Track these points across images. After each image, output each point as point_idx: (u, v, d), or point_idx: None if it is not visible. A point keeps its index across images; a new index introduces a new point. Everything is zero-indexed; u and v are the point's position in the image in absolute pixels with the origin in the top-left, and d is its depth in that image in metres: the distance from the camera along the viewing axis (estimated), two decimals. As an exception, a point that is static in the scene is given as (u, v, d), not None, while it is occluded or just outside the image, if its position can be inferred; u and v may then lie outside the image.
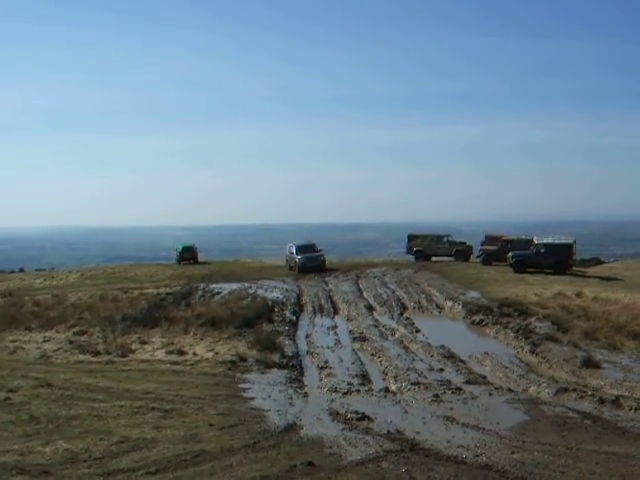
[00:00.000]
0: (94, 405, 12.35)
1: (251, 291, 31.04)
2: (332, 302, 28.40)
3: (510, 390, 14.38)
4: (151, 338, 20.54)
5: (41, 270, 54.96)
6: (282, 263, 43.87)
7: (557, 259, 35.64)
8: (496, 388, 14.50)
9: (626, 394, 13.74)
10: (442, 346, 18.82)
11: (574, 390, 14.00)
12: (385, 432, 10.92)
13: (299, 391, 14.40)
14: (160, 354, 18.40)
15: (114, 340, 19.99)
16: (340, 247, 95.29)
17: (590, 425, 11.66)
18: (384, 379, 15.77)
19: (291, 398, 13.60)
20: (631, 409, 12.56)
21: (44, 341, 20.89)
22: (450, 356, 17.82)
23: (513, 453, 9.83)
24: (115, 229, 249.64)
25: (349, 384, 14.99)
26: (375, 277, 35.76)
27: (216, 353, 18.24)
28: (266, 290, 31.69)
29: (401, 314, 25.21)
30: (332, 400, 13.46)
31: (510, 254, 37.04)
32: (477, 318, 23.15)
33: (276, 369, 16.58)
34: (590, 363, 16.26)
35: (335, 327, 23.04)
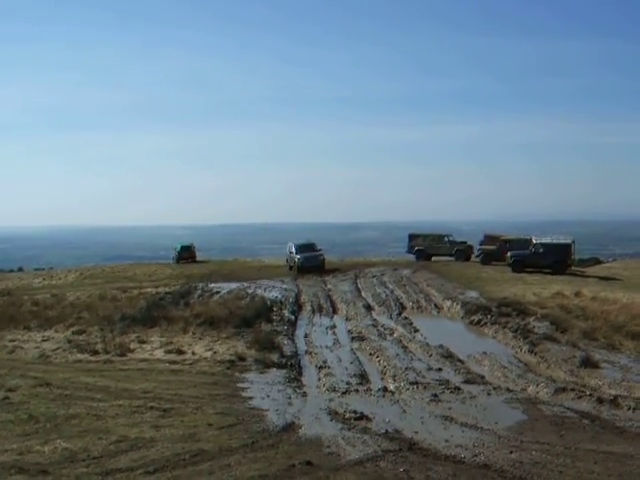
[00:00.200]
0: (93, 404, 12.35)
1: (250, 291, 31.05)
2: (331, 302, 28.40)
3: (508, 390, 14.40)
4: (150, 337, 20.55)
5: (40, 269, 54.96)
6: (281, 262, 43.85)
7: (556, 259, 35.64)
8: (494, 388, 14.51)
9: (624, 394, 13.75)
10: (441, 346, 18.83)
11: (572, 390, 14.01)
12: (383, 432, 10.93)
13: (298, 391, 14.41)
14: (159, 353, 18.41)
15: (113, 339, 19.99)
16: (339, 246, 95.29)
17: (588, 425, 11.68)
18: (382, 379, 15.78)
19: (290, 398, 13.61)
20: (629, 409, 12.58)
21: (43, 340, 20.90)
22: (448, 356, 17.83)
23: (511, 453, 9.84)
24: (114, 228, 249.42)
25: (348, 384, 15.00)
26: (374, 277, 35.75)
27: (215, 352, 18.25)
28: (265, 290, 31.70)
29: (400, 314, 25.21)
30: (331, 400, 13.47)
31: (509, 254, 37.04)
32: (476, 318, 23.15)
33: (275, 369, 16.59)
34: (589, 363, 16.26)
35: (334, 327, 23.05)
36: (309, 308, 27.04)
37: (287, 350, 18.86)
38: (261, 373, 16.13)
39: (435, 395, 13.74)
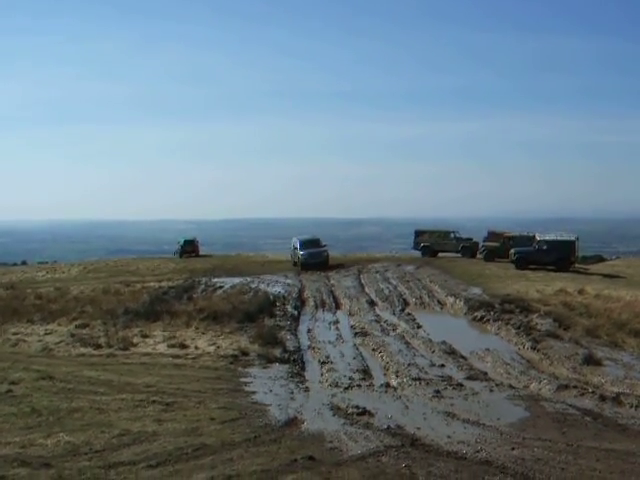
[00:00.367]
0: (95, 398, 12.36)
1: (253, 285, 31.05)
2: (334, 297, 28.40)
3: (511, 386, 14.39)
4: (153, 332, 20.57)
5: (43, 263, 55.03)
6: (284, 257, 43.83)
7: (559, 256, 35.57)
8: (497, 384, 14.50)
9: (627, 391, 13.75)
10: (443, 342, 18.83)
11: (575, 387, 14.00)
12: (386, 427, 10.93)
13: (300, 386, 14.42)
14: (162, 348, 18.43)
15: (116, 333, 20.02)
16: (342, 242, 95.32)
17: (591, 422, 11.67)
18: (385, 374, 15.79)
19: (292, 393, 13.62)
20: (632, 406, 12.57)
21: (46, 334, 20.92)
22: (451, 352, 17.83)
23: (513, 449, 9.83)
24: (115, 222, 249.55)
25: (350, 379, 15.01)
26: (377, 272, 35.75)
27: (218, 347, 18.26)
28: (268, 284, 31.69)
29: (403, 310, 25.20)
30: (333, 395, 13.48)
31: (512, 251, 36.99)
32: (479, 314, 23.14)
33: (277, 364, 16.60)
34: (591, 360, 16.26)
35: (337, 322, 23.05)
36: (312, 303, 27.04)
37: (290, 345, 18.87)
38: (264, 368, 16.14)
39: (437, 391, 13.74)
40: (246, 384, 14.34)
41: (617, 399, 13.05)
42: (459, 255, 42.30)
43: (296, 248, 40.08)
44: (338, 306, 26.60)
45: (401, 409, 12.46)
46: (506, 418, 11.87)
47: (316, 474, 8.33)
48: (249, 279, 33.79)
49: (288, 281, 33.26)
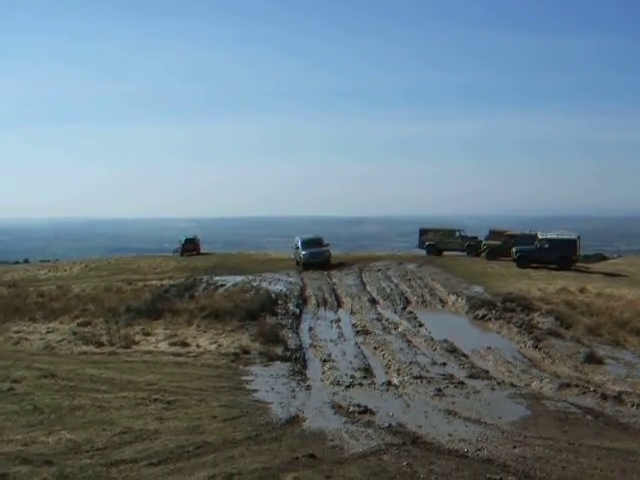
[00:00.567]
0: (97, 396, 12.38)
1: (255, 284, 31.06)
2: (335, 295, 28.40)
3: (512, 385, 14.39)
4: (154, 330, 20.59)
5: (45, 261, 55.10)
6: (286, 256, 43.83)
7: (561, 254, 35.55)
8: (498, 383, 14.50)
9: (629, 390, 13.74)
10: (445, 340, 18.83)
11: (576, 386, 14.00)
12: (387, 425, 10.94)
13: (302, 384, 14.43)
14: (163, 346, 18.44)
15: (117, 331, 20.04)
16: (344, 240, 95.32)
17: (592, 421, 11.67)
18: (387, 373, 15.79)
19: (294, 391, 13.62)
20: (633, 405, 12.57)
21: (48, 332, 20.96)
22: (453, 350, 17.83)
23: (515, 447, 9.83)
24: (115, 221, 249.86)
25: (352, 377, 15.02)
26: (379, 271, 35.74)
27: (219, 345, 18.28)
28: (270, 283, 31.71)
29: (404, 308, 25.21)
30: (334, 393, 13.49)
31: (514, 249, 36.98)
32: (480, 313, 23.13)
33: (279, 362, 16.61)
34: (593, 359, 16.25)
35: (338, 320, 23.05)
36: (314, 302, 27.04)
37: (291, 343, 18.88)
38: (265, 366, 16.15)
39: (439, 389, 13.74)
40: (247, 382, 14.35)
41: (618, 398, 13.05)
42: (464, 254, 42.24)
43: (298, 247, 39.78)
44: (340, 304, 26.61)
45: (402, 407, 12.46)
46: (507, 416, 11.87)
47: (317, 472, 8.33)
48: (251, 277, 33.81)
49: (290, 279, 33.27)
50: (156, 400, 12.10)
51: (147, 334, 19.97)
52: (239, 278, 33.49)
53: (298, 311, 24.89)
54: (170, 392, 12.86)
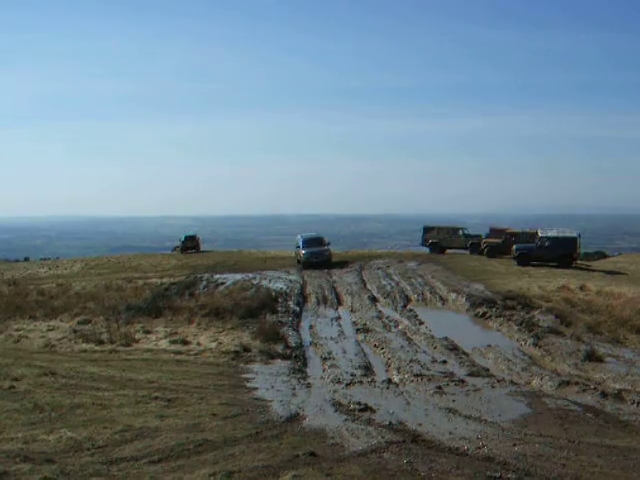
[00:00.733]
0: (98, 394, 12.39)
1: (255, 282, 31.08)
2: (336, 293, 28.42)
3: (513, 383, 14.39)
4: (155, 328, 20.60)
5: (46, 259, 55.12)
6: (286, 254, 43.86)
7: (561, 252, 35.57)
8: (499, 380, 14.51)
9: (629, 388, 13.74)
10: (445, 338, 18.84)
11: (576, 383, 14.00)
12: (387, 423, 10.94)
13: (302, 382, 14.43)
14: (164, 344, 18.45)
15: (118, 329, 20.03)
16: (345, 238, 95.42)
17: (592, 418, 11.67)
18: (387, 370, 15.80)
19: (294, 389, 13.63)
20: (633, 403, 12.56)
21: (48, 330, 20.96)
22: (453, 348, 17.83)
23: (515, 445, 9.84)
24: (117, 219, 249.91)
25: (352, 375, 15.02)
26: (379, 268, 35.75)
27: (220, 343, 18.28)
28: (270, 281, 31.72)
29: (404, 306, 25.22)
30: (335, 391, 13.49)
31: (514, 247, 37.00)
32: (481, 311, 23.15)
33: (279, 360, 16.62)
34: (593, 357, 16.25)
35: (338, 318, 23.06)
36: (314, 299, 27.05)
37: (292, 341, 18.89)
38: (266, 364, 16.16)
39: (439, 387, 13.74)
40: (248, 380, 14.36)
41: (619, 395, 13.05)
42: (467, 252, 42.23)
43: (299, 246, 39.65)
44: (340, 302, 26.62)
45: (403, 405, 12.47)
46: (508, 414, 11.88)
47: (318, 470, 8.34)
48: (251, 275, 33.83)
49: (290, 277, 33.28)
50: (156, 398, 12.11)
51: (147, 332, 19.98)
52: (239, 276, 33.50)
53: (298, 309, 24.90)
54: (170, 390, 12.87)
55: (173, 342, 18.48)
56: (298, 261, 39.49)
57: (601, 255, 44.67)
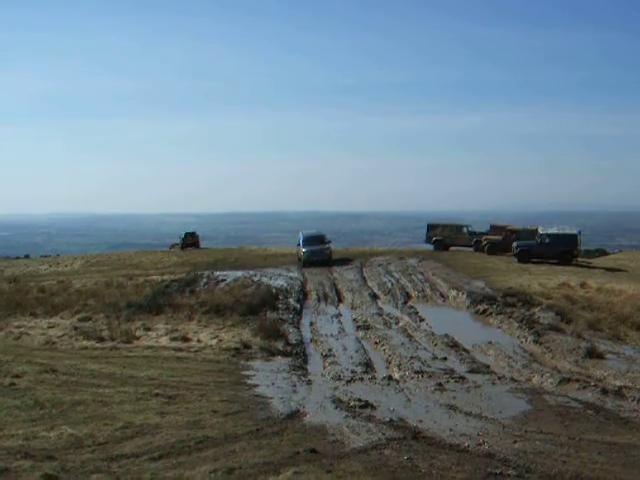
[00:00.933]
0: (98, 391, 12.39)
1: (256, 279, 31.08)
2: (336, 290, 28.43)
3: (513, 379, 14.40)
4: (155, 325, 20.60)
5: (46, 256, 55.17)
6: (287, 251, 43.85)
7: (562, 250, 35.56)
8: (499, 377, 14.51)
9: (629, 385, 13.74)
10: (446, 335, 18.84)
11: (577, 380, 14.00)
12: (388, 420, 10.94)
13: (303, 379, 14.44)
14: (164, 341, 18.46)
15: (118, 326, 20.04)
16: (345, 235, 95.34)
17: (593, 415, 11.66)
18: (387, 367, 15.81)
19: (295, 385, 13.63)
20: (634, 400, 12.56)
21: (49, 327, 20.97)
22: (454, 345, 17.84)
23: (515, 442, 9.83)
24: (118, 216, 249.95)
25: (353, 372, 15.03)
26: (380, 266, 35.76)
27: (220, 340, 18.28)
28: (271, 278, 31.72)
29: (405, 303, 25.23)
30: (335, 388, 13.49)
31: (515, 244, 36.98)
32: (481, 307, 23.16)
33: (280, 357, 16.62)
34: (593, 354, 16.25)
35: (339, 315, 23.07)
36: (315, 296, 27.06)
37: (292, 338, 18.90)
38: (266, 361, 16.16)
39: (440, 384, 13.74)
40: (248, 377, 14.36)
41: (619, 392, 13.05)
42: (471, 249, 42.20)
43: (299, 244, 39.37)
44: (341, 299, 26.64)
45: (403, 402, 12.47)
46: (508, 411, 11.88)
47: (318, 467, 8.33)
48: (252, 272, 33.83)
49: (291, 274, 33.28)
50: (157, 395, 12.10)
51: (148, 329, 19.99)
52: (240, 273, 33.51)
53: (299, 306, 24.91)
54: (171, 387, 12.87)
55: (174, 339, 18.49)
56: (299, 259, 39.23)
57: (602, 252, 44.59)
